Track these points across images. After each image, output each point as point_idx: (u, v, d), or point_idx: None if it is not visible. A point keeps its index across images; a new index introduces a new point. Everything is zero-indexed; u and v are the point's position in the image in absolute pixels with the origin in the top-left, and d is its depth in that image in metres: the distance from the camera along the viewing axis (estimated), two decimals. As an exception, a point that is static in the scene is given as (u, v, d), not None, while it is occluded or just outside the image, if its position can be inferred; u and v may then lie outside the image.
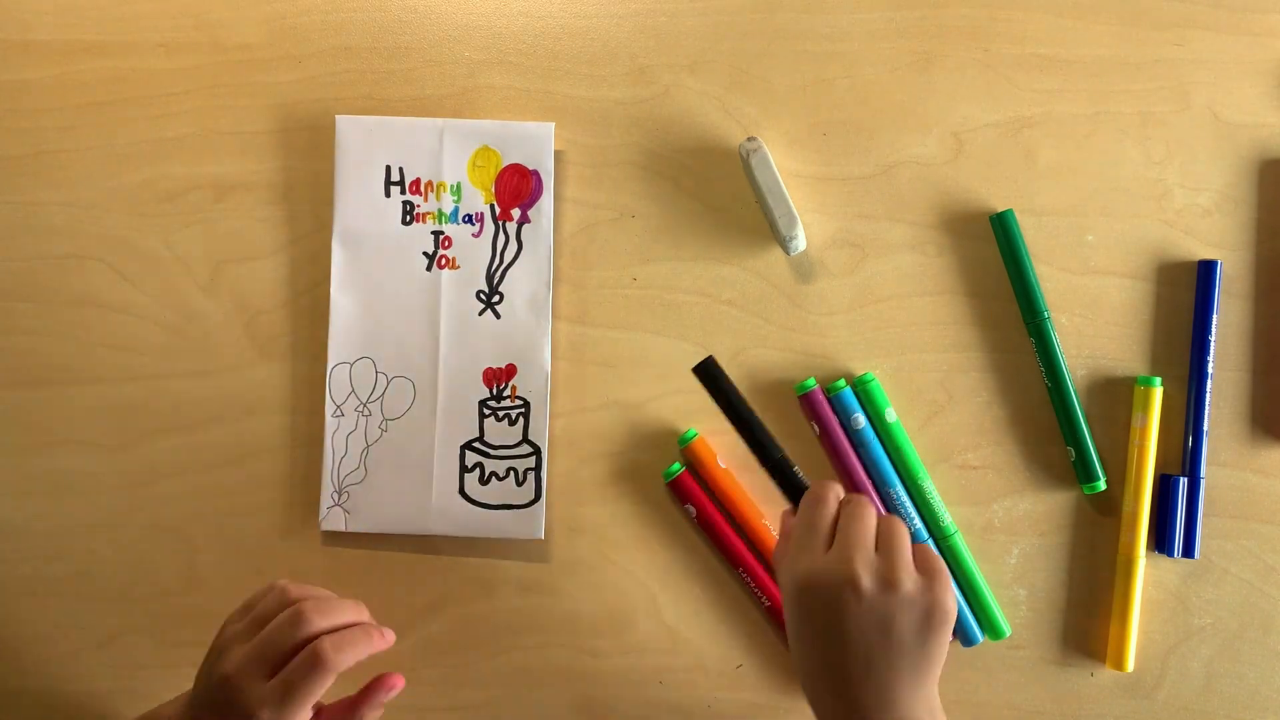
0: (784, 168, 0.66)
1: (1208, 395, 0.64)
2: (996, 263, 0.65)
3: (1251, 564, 0.65)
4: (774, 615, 0.64)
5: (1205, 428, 0.64)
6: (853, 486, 0.64)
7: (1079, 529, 0.65)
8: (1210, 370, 0.64)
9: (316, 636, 0.52)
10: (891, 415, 0.64)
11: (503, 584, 0.65)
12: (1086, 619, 0.65)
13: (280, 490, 0.65)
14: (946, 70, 0.66)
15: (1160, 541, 0.64)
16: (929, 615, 0.52)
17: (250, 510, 0.65)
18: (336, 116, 0.65)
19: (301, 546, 0.65)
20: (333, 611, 0.53)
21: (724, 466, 0.64)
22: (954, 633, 0.64)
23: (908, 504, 0.64)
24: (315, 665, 0.50)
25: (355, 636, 0.53)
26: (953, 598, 0.52)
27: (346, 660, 0.52)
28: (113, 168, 0.66)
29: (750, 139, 0.63)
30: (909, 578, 0.52)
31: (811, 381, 0.64)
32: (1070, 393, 0.64)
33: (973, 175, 0.66)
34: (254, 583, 0.58)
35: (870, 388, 0.64)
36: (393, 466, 0.65)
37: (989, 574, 0.65)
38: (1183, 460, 0.65)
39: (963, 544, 0.64)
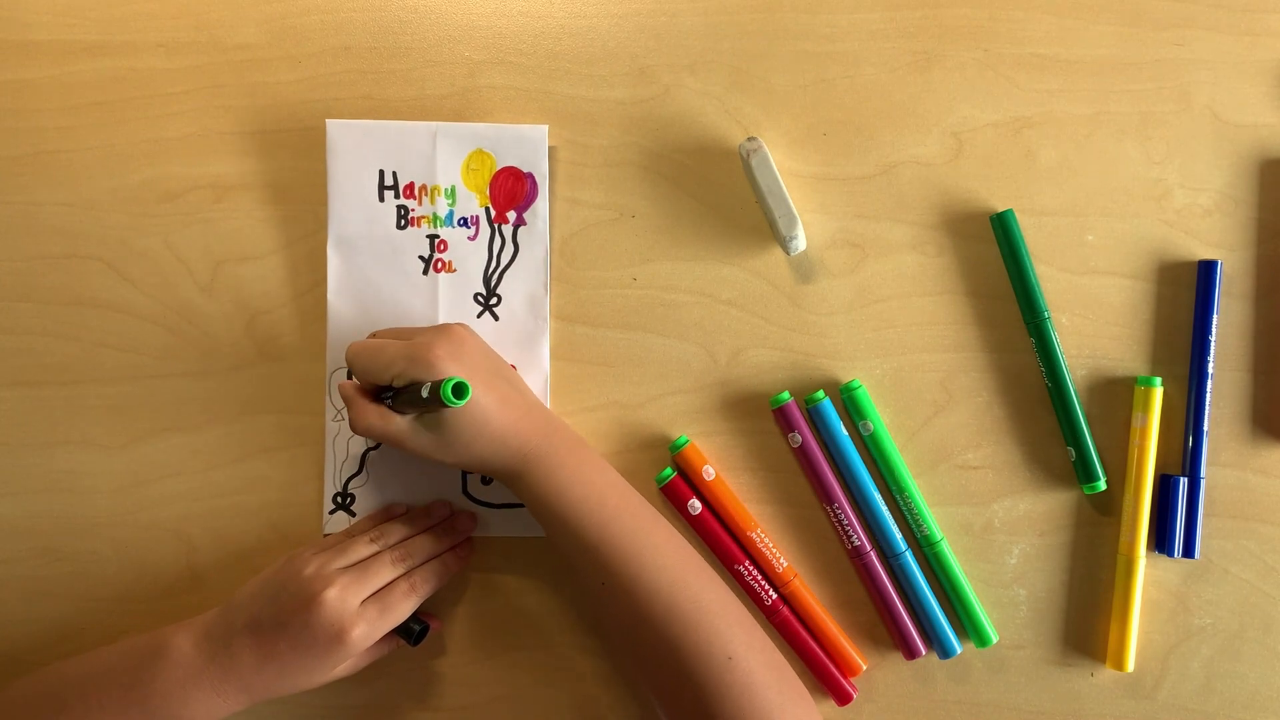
0: (784, 168, 0.66)
1: (1208, 395, 0.64)
2: (996, 263, 0.65)
3: (1251, 564, 0.65)
4: (772, 613, 0.64)
5: (1205, 428, 0.64)
6: (828, 498, 0.64)
7: (1079, 529, 0.65)
8: (1210, 370, 0.64)
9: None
10: (869, 427, 0.64)
11: (504, 583, 0.65)
12: (1086, 619, 0.65)
13: (280, 490, 0.65)
14: (946, 70, 0.66)
15: (1160, 541, 0.64)
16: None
17: (250, 510, 0.65)
18: (327, 121, 0.65)
19: (302, 547, 0.65)
20: (420, 552, 0.61)
21: (714, 474, 0.64)
22: (930, 644, 0.64)
23: (886, 516, 0.64)
24: (409, 594, 0.59)
25: (439, 569, 0.61)
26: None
27: (433, 589, 0.61)
28: (113, 168, 0.66)
29: (750, 139, 0.63)
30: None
31: (786, 395, 0.64)
32: (1070, 393, 0.64)
33: (973, 175, 0.66)
34: (254, 583, 0.59)
35: (857, 395, 0.64)
36: (396, 468, 0.65)
37: (989, 574, 0.65)
38: (1183, 460, 0.65)
39: (949, 552, 0.64)
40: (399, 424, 0.57)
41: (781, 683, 0.56)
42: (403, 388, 0.57)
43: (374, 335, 0.62)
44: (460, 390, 0.52)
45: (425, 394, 0.53)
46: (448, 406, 0.52)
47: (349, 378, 0.64)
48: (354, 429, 0.58)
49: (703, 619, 0.56)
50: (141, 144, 0.66)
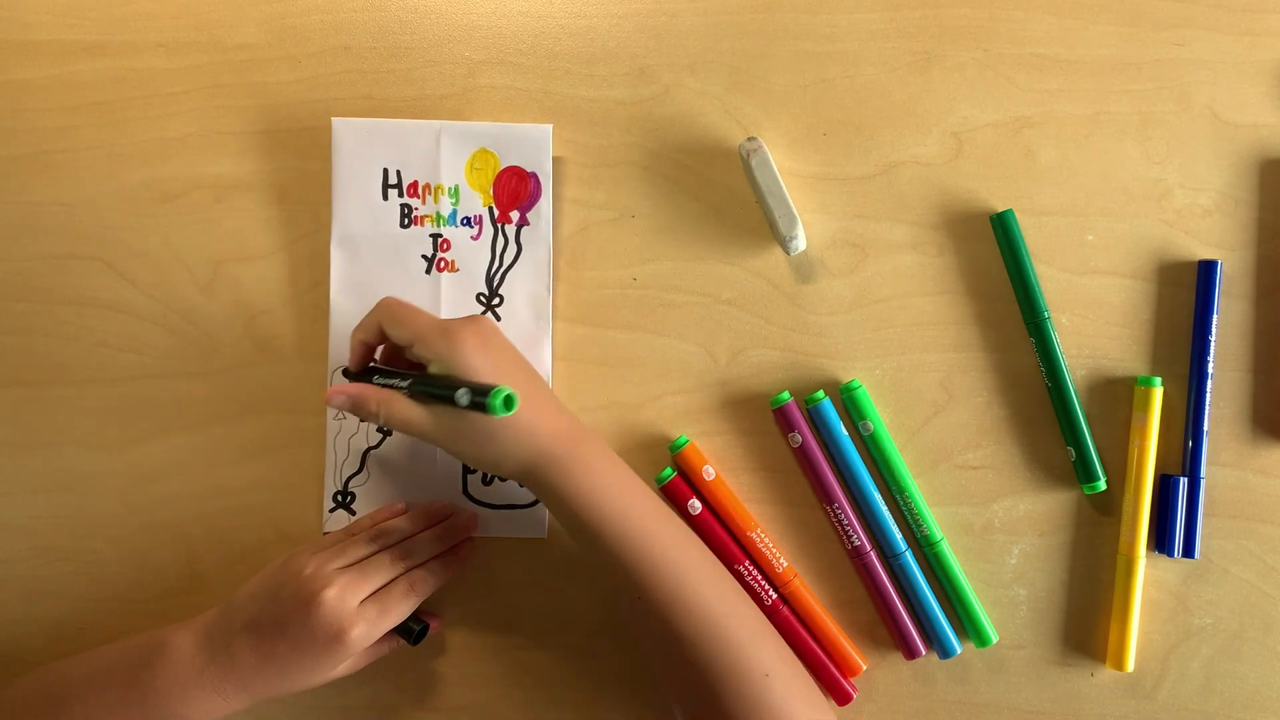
0: (784, 168, 0.66)
1: (1208, 395, 0.64)
2: (996, 263, 0.65)
3: (1251, 564, 0.65)
4: (772, 613, 0.64)
5: (1205, 428, 0.64)
6: (828, 499, 0.64)
7: (1079, 529, 0.65)
8: (1210, 370, 0.64)
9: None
10: (869, 427, 0.64)
11: (504, 583, 0.65)
12: (1086, 619, 0.65)
13: (280, 490, 0.65)
14: (946, 70, 0.66)
15: (1160, 541, 0.64)
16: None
17: (250, 510, 0.65)
18: (332, 119, 0.65)
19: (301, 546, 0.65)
20: (420, 551, 0.61)
21: (714, 474, 0.64)
22: (930, 644, 0.65)
23: (886, 516, 0.64)
24: (409, 593, 0.59)
25: (438, 569, 0.61)
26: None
27: (433, 589, 0.60)
28: (113, 168, 0.66)
29: (750, 139, 0.63)
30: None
31: (786, 395, 0.64)
32: (1070, 393, 0.64)
33: (973, 175, 0.66)
34: (254, 583, 0.59)
35: (857, 395, 0.64)
36: (396, 468, 0.65)
37: (989, 574, 0.65)
38: (1183, 460, 0.65)
39: (949, 552, 0.64)
40: (417, 415, 0.55)
41: (810, 695, 0.57)
42: (437, 378, 0.54)
43: None
44: (509, 403, 0.49)
45: (465, 401, 0.51)
46: (491, 414, 0.50)
47: (344, 374, 0.63)
48: (374, 416, 0.56)
49: (741, 637, 0.55)
50: (141, 144, 0.66)
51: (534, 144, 0.65)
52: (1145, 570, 0.64)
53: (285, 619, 0.56)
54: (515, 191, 0.65)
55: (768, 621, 0.58)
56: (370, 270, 0.65)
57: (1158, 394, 0.64)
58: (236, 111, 0.66)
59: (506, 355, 0.57)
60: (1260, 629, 0.65)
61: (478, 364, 0.54)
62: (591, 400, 0.65)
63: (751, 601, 0.59)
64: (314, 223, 0.66)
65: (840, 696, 0.64)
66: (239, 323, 0.66)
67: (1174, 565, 0.65)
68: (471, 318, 0.57)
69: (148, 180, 0.66)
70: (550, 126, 0.65)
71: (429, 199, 0.65)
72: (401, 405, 0.55)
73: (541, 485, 0.57)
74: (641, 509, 0.57)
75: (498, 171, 0.65)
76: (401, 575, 0.59)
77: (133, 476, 0.65)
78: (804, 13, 0.66)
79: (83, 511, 0.65)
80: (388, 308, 0.58)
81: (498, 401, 0.50)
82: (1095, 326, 0.65)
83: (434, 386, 0.54)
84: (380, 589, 0.58)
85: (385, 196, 0.65)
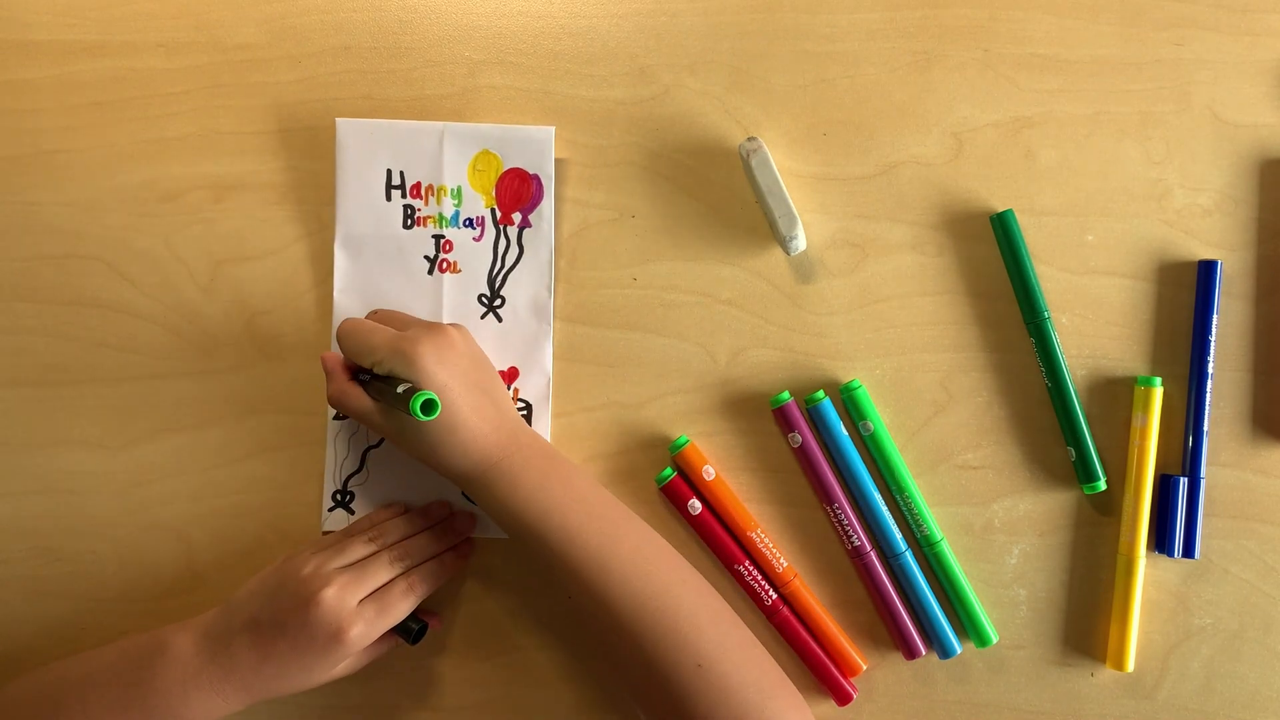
0: (784, 168, 0.66)
1: (1208, 395, 0.64)
2: (996, 263, 0.65)
3: (1251, 564, 0.65)
4: (772, 613, 0.64)
5: (1205, 428, 0.64)
6: (828, 499, 0.64)
7: (1079, 529, 0.65)
8: (1210, 370, 0.64)
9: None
10: (869, 427, 0.64)
11: (503, 583, 0.65)
12: (1086, 619, 0.65)
13: (280, 490, 0.65)
14: (946, 70, 0.66)
15: (1160, 541, 0.64)
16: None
17: (250, 510, 0.65)
18: (336, 120, 0.65)
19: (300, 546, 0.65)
20: (419, 551, 0.61)
21: (714, 474, 0.64)
22: (930, 644, 0.64)
23: (886, 516, 0.64)
24: (408, 593, 0.59)
25: (437, 570, 0.61)
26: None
27: (432, 589, 0.60)
28: (113, 168, 0.66)
29: (750, 139, 0.63)
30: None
31: (786, 395, 0.64)
32: (1070, 393, 0.64)
33: (973, 175, 0.66)
34: (254, 583, 0.59)
35: (857, 395, 0.64)
36: (396, 468, 0.65)
37: (989, 574, 0.65)
38: (1183, 460, 0.65)
39: (949, 552, 0.64)
40: (370, 407, 0.58)
41: (761, 680, 0.56)
42: (381, 376, 0.57)
43: (374, 313, 0.63)
44: (429, 407, 0.52)
45: (398, 393, 0.54)
46: (413, 416, 0.53)
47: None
48: (329, 399, 0.59)
49: (669, 629, 0.55)
50: (141, 144, 0.66)
51: (536, 146, 0.65)
52: (1145, 570, 0.64)
53: (284, 618, 0.56)
54: (517, 193, 0.65)
55: (713, 608, 0.58)
56: (373, 270, 0.65)
57: (1158, 394, 0.64)
58: (236, 111, 0.66)
59: (463, 365, 0.58)
60: (1260, 629, 0.65)
61: (432, 372, 0.56)
62: (591, 400, 0.65)
63: (695, 590, 0.58)
64: (314, 223, 0.66)
65: (840, 696, 0.64)
66: (239, 323, 0.66)
67: (1174, 565, 0.65)
68: (430, 328, 0.58)
69: (148, 180, 0.66)
70: (553, 129, 0.65)
71: (432, 200, 0.65)
72: (357, 394, 0.59)
73: (477, 493, 0.59)
74: (567, 512, 0.57)
75: (500, 173, 0.65)
76: (400, 575, 0.59)
77: (132, 476, 0.65)
78: (804, 13, 0.66)
79: (83, 511, 0.65)
80: (343, 335, 0.59)
81: (416, 404, 0.52)
82: (1095, 326, 0.65)
83: (377, 385, 0.58)
84: (379, 589, 0.58)
85: (388, 197, 0.65)
